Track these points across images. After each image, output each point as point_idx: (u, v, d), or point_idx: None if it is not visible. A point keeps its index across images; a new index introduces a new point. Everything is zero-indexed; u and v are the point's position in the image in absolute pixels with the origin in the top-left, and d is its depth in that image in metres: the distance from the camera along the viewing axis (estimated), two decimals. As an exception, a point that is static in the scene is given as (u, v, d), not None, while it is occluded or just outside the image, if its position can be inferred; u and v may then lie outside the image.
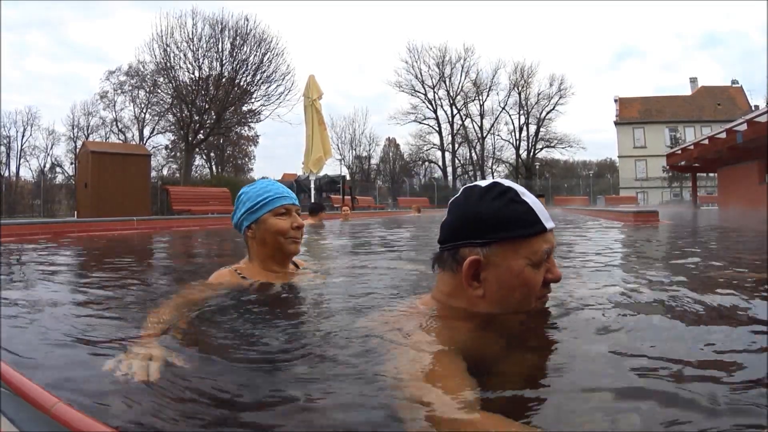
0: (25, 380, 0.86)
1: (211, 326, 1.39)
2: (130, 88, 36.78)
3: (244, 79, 24.67)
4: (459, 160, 47.85)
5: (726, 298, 1.54)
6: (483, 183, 1.21)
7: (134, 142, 35.48)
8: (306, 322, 1.48)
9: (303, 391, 0.91)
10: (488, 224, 1.13)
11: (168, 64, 23.53)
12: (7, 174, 35.55)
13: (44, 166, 38.22)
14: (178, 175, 32.94)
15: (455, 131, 46.80)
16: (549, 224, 1.16)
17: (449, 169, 47.01)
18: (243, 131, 38.58)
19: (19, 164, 38.18)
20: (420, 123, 46.81)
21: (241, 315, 1.49)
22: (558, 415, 0.82)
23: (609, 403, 0.83)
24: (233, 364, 1.06)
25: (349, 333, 1.20)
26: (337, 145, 43.86)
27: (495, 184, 1.19)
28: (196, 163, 38.09)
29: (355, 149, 46.19)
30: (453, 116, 46.46)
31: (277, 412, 0.86)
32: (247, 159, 45.95)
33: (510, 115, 46.39)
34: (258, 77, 24.64)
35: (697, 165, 23.82)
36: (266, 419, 0.84)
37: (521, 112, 45.84)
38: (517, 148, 46.46)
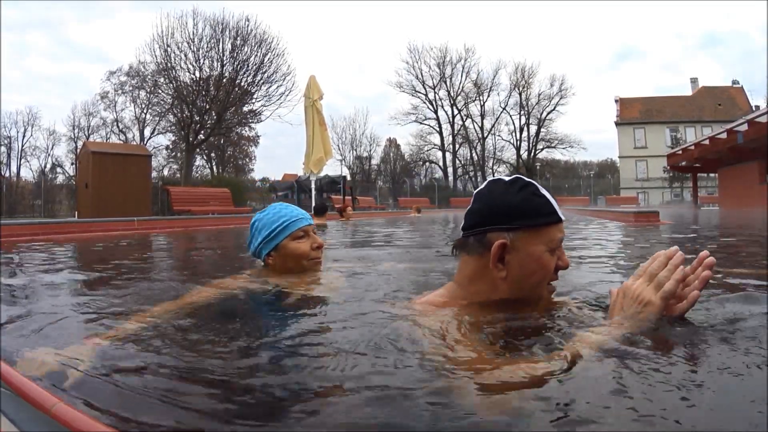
0: (25, 380, 0.86)
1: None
2: (131, 88, 36.89)
3: (244, 79, 24.71)
4: (460, 161, 47.91)
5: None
6: (506, 177, 1.34)
7: (135, 143, 35.53)
8: (334, 313, 1.53)
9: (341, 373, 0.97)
10: (514, 212, 1.26)
11: (169, 65, 23.57)
12: (7, 174, 35.63)
13: (45, 167, 38.32)
14: (178, 175, 32.98)
15: (456, 131, 46.89)
16: (562, 216, 1.31)
17: (450, 170, 47.05)
18: (243, 132, 38.66)
19: (20, 164, 38.31)
20: (421, 123, 46.92)
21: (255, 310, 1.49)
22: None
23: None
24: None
25: (381, 319, 1.29)
26: (338, 145, 43.95)
27: (518, 179, 1.32)
28: (197, 163, 38.19)
29: (355, 149, 46.29)
30: (453, 116, 46.58)
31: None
32: (247, 159, 46.03)
33: (510, 116, 46.47)
34: (258, 78, 24.69)
35: (697, 165, 23.83)
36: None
37: (522, 112, 45.91)
38: (518, 149, 46.52)
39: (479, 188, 1.38)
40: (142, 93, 35.23)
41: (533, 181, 1.32)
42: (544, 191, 1.31)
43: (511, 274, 1.27)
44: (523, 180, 1.31)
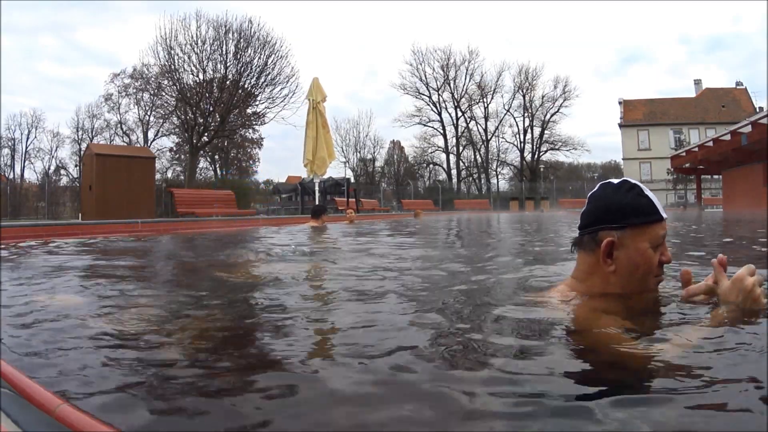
0: (28, 381, 0.86)
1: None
2: (135, 90, 36.90)
3: (248, 81, 24.64)
4: (463, 163, 47.83)
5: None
6: (615, 180, 1.52)
7: (138, 145, 35.57)
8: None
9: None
10: (622, 212, 1.42)
11: (172, 67, 23.55)
12: (11, 176, 35.76)
13: (49, 169, 38.47)
14: (182, 177, 33.03)
15: (460, 134, 46.79)
16: (665, 214, 1.45)
17: (454, 172, 47.00)
18: (247, 134, 38.63)
19: (24, 166, 38.47)
20: (425, 125, 46.84)
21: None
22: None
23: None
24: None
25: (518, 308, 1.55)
26: (342, 147, 43.89)
27: (625, 182, 1.49)
28: (201, 165, 38.16)
29: (359, 152, 46.23)
30: (457, 119, 46.48)
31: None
32: (251, 162, 45.99)
33: (514, 118, 46.31)
34: (262, 80, 24.60)
35: (701, 167, 23.75)
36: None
37: (525, 114, 45.77)
38: (522, 151, 46.33)
39: (592, 191, 1.54)
40: (146, 95, 35.23)
41: (638, 183, 1.47)
42: (648, 192, 1.45)
43: (620, 268, 1.42)
44: (629, 182, 1.47)
